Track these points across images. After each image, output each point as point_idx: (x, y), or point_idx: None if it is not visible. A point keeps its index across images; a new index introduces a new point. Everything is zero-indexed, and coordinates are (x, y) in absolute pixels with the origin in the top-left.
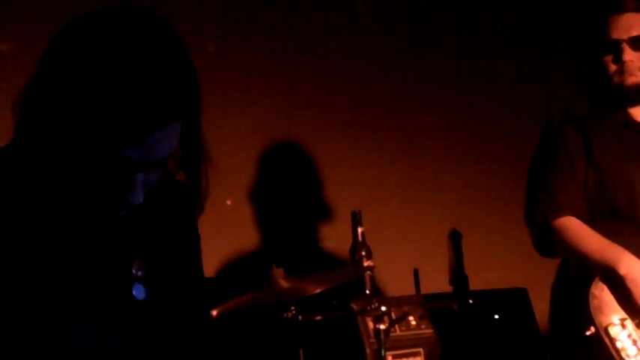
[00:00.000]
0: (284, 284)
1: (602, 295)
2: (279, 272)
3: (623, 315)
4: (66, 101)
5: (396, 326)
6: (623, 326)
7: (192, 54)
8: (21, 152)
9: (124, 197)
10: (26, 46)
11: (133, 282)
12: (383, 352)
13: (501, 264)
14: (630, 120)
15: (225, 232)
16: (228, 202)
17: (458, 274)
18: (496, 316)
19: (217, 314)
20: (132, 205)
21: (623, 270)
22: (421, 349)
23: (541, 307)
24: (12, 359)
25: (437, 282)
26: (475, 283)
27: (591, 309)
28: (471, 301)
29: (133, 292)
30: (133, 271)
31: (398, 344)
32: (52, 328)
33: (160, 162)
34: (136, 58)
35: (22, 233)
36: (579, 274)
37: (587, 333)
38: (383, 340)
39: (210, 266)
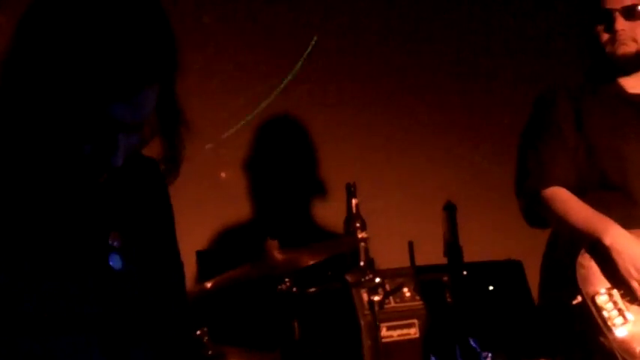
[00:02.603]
0: (278, 256)
1: (590, 264)
2: (273, 244)
3: (610, 284)
4: (51, 59)
5: (391, 298)
6: (610, 295)
7: (188, 26)
8: (2, 117)
9: (106, 159)
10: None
11: (109, 252)
12: (377, 323)
13: (496, 236)
14: (621, 91)
15: (220, 205)
16: (223, 175)
17: (452, 247)
18: (490, 288)
19: (212, 287)
20: (113, 167)
21: (608, 240)
22: (416, 321)
23: (536, 279)
24: None
25: (431, 254)
26: (470, 255)
27: (578, 278)
28: (465, 273)
29: (110, 263)
30: (110, 242)
31: (392, 316)
32: (30, 299)
33: (142, 122)
34: (121, 16)
35: (2, 205)
36: (567, 245)
37: (574, 302)
38: (377, 312)
39: (204, 239)
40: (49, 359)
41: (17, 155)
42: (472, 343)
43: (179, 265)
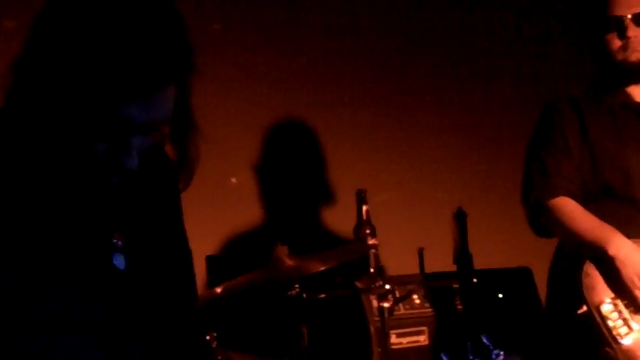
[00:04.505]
0: (288, 262)
1: (595, 274)
2: (283, 250)
3: (615, 294)
4: (66, 57)
5: (400, 305)
6: (615, 305)
7: (197, 32)
8: (15, 116)
9: (120, 161)
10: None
11: (113, 252)
12: (387, 330)
13: (506, 243)
14: (628, 100)
15: (230, 210)
16: (233, 180)
17: (462, 254)
18: (500, 296)
19: (222, 292)
20: (127, 169)
21: (612, 250)
22: (425, 328)
23: (545, 286)
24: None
25: (441, 261)
26: (479, 263)
27: (584, 287)
28: (475, 281)
29: (114, 262)
30: (114, 241)
31: (402, 323)
32: (32, 298)
33: (158, 125)
34: (138, 15)
35: (10, 204)
36: (574, 255)
37: (580, 311)
38: (387, 319)
39: (214, 244)
40: (52, 358)
41: (28, 154)
42: (484, 340)
43: (188, 261)
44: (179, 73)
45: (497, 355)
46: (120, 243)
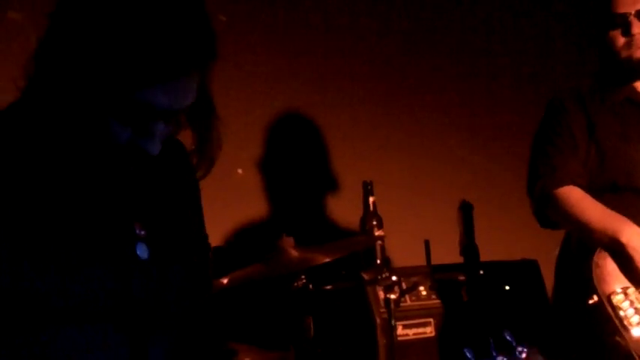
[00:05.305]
0: (294, 253)
1: (605, 263)
2: (289, 241)
3: (626, 283)
4: (91, 44)
5: (407, 296)
6: (626, 295)
7: None
8: (36, 104)
9: (142, 147)
10: (38, 15)
11: (136, 241)
12: (393, 322)
13: (512, 235)
14: (634, 94)
15: (236, 201)
16: (240, 171)
17: (468, 246)
18: (507, 288)
19: (227, 283)
20: (146, 157)
21: (624, 238)
22: (431, 320)
23: (551, 278)
24: (17, 319)
25: (447, 253)
26: (486, 255)
27: (594, 278)
28: (481, 273)
29: (137, 252)
30: (136, 231)
31: (408, 314)
32: (57, 287)
33: (181, 111)
34: (164, 3)
35: (31, 192)
36: (582, 246)
37: (590, 302)
38: (393, 310)
39: (220, 235)
40: (72, 349)
41: (49, 142)
42: (507, 336)
43: (205, 251)
44: (202, 60)
45: (521, 352)
46: (143, 233)
